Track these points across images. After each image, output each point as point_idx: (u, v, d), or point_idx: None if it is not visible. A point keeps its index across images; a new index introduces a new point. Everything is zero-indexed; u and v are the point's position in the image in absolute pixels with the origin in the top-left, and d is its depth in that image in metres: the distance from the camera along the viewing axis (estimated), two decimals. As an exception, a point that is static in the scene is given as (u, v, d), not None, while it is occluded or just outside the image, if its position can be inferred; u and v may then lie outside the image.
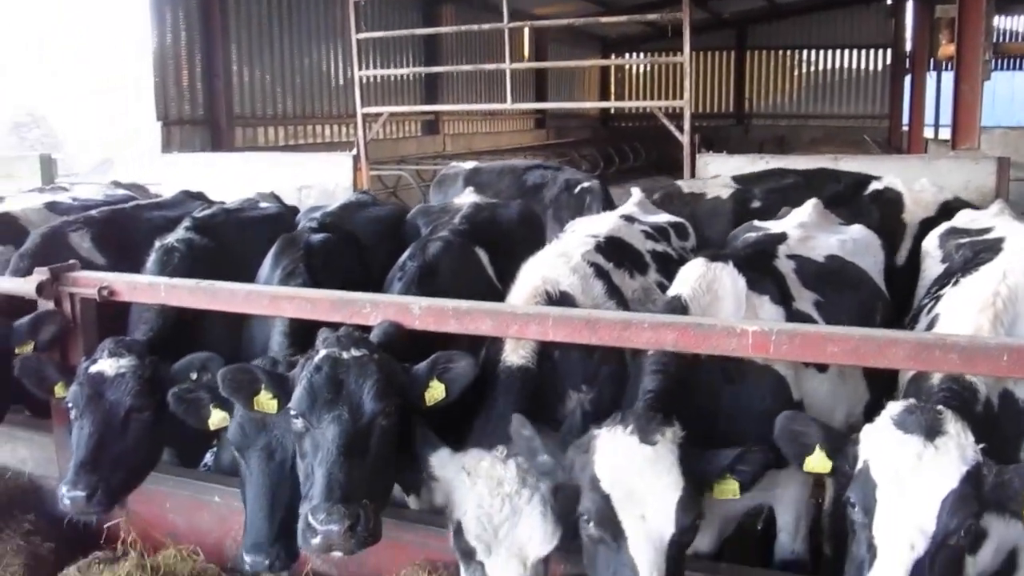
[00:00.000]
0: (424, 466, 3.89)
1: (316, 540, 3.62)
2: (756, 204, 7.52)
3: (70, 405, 4.56)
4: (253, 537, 4.05)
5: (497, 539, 3.61)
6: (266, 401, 4.02)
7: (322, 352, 3.97)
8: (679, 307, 4.34)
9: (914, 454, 3.21)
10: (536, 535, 3.62)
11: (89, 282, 5.28)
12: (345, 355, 3.93)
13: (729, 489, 3.63)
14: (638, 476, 3.32)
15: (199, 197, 7.65)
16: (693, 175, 10.69)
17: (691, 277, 4.52)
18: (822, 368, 4.70)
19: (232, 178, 10.21)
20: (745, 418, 4.17)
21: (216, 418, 4.36)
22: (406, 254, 5.17)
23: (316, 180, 11.06)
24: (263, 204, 6.91)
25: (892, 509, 3.17)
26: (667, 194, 7.80)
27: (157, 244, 5.59)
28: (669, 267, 5.57)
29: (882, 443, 3.33)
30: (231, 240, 5.90)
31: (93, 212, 6.55)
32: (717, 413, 4.19)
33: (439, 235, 5.36)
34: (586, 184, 8.74)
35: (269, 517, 4.06)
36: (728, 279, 4.53)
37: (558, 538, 3.65)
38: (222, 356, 4.62)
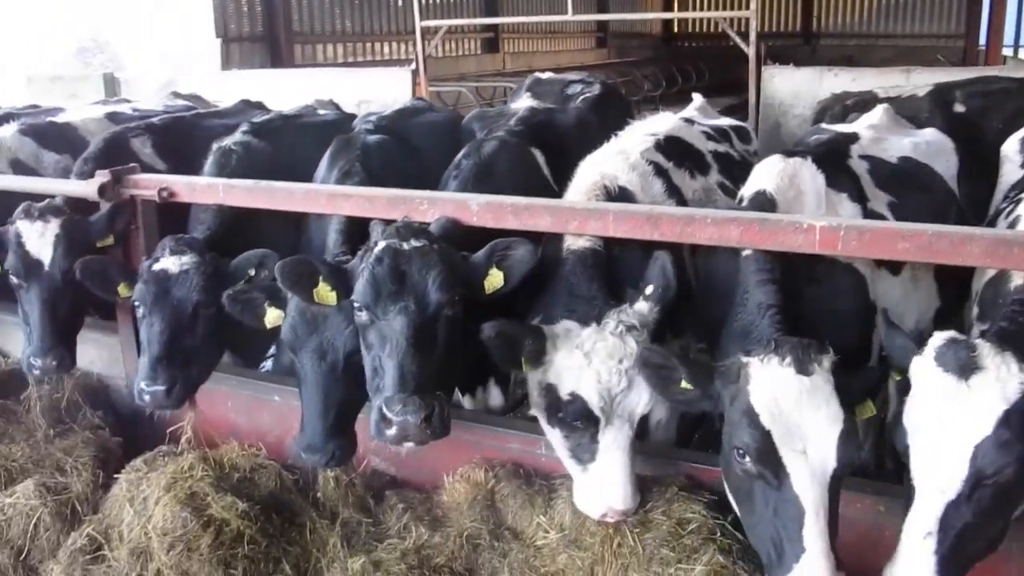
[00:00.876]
0: (523, 351, 3.81)
1: (391, 431, 3.63)
2: (959, 108, 6.77)
3: (137, 304, 4.62)
4: (308, 437, 4.09)
5: (613, 408, 3.64)
6: (325, 293, 4.01)
7: (382, 243, 3.92)
8: (765, 202, 4.17)
9: (947, 393, 3.04)
10: (644, 398, 3.67)
11: (149, 183, 5.32)
12: (405, 246, 3.88)
13: (868, 410, 3.52)
14: (798, 410, 3.15)
15: (259, 106, 7.62)
16: (758, 89, 10.31)
17: (771, 172, 4.33)
18: (895, 271, 4.54)
19: (292, 94, 10.14)
20: (824, 319, 4.03)
21: (271, 316, 4.38)
22: (461, 153, 5.08)
23: (375, 96, 10.94)
24: (321, 111, 6.85)
25: (924, 453, 3.04)
26: (861, 100, 7.29)
27: (215, 146, 5.59)
28: (732, 169, 5.42)
29: (920, 378, 3.17)
30: (288, 144, 5.88)
31: (154, 120, 6.57)
32: (798, 315, 4.02)
33: (495, 135, 5.24)
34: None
35: (323, 416, 4.09)
36: (808, 174, 4.36)
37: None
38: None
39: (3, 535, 4.47)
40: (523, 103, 6.42)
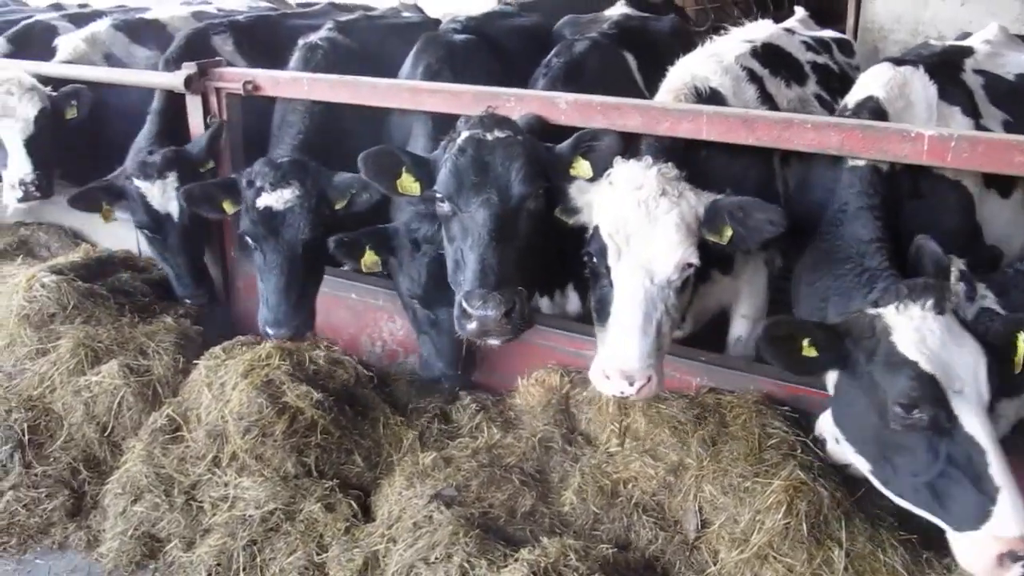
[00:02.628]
0: (565, 199, 3.75)
1: (472, 325, 3.58)
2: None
3: (249, 240, 4.58)
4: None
5: (629, 244, 3.46)
6: (409, 184, 3.94)
7: (465, 133, 3.82)
8: (875, 109, 3.92)
9: None
10: (667, 249, 3.43)
11: (234, 77, 5.30)
12: (489, 136, 3.77)
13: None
14: (946, 350, 2.97)
15: (345, 9, 7.52)
16: (857, 13, 9.83)
17: (880, 80, 4.07)
18: (1005, 193, 4.27)
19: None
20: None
21: (369, 260, 4.36)
22: (552, 52, 4.90)
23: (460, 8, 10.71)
24: (405, 13, 6.72)
25: None
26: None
27: (300, 42, 5.52)
28: (830, 80, 5.16)
29: None
30: (373, 43, 5.78)
31: (238, 18, 6.53)
32: (898, 231, 3.83)
33: (587, 36, 5.05)
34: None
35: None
36: (919, 84, 4.10)
37: (691, 270, 3.50)
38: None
39: (90, 411, 4.60)
40: (617, 9, 6.16)
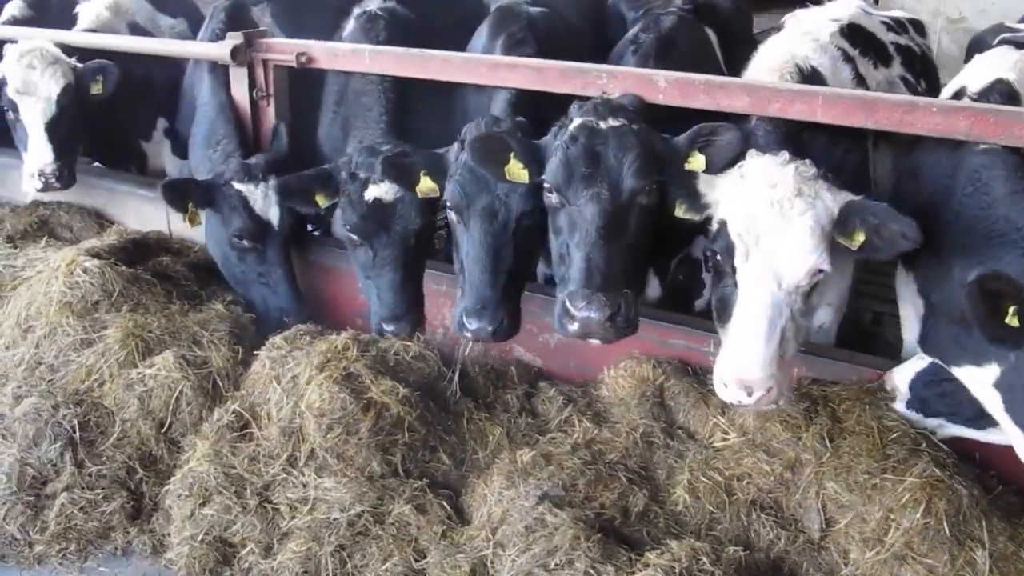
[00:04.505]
0: (692, 193, 3.55)
1: (574, 326, 3.39)
2: None
3: (354, 236, 4.32)
4: (474, 301, 3.75)
5: (758, 246, 3.26)
6: (517, 171, 3.70)
7: (577, 120, 3.59)
8: (1006, 92, 3.72)
9: None
10: (799, 254, 3.22)
11: (285, 48, 4.98)
12: (603, 124, 3.54)
13: None
14: None
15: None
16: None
17: (1007, 62, 3.91)
18: None
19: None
20: None
21: (425, 186, 4.10)
22: (637, 28, 4.64)
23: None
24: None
25: None
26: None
27: (356, 11, 5.21)
28: (913, 62, 5.00)
29: None
30: (432, 14, 5.46)
31: (269, -12, 6.16)
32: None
33: (670, 10, 4.80)
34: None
35: (492, 282, 3.76)
36: None
37: (821, 275, 3.30)
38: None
39: (145, 406, 4.28)
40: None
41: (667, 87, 4.03)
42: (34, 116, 5.15)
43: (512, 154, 3.68)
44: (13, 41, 5.41)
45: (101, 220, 5.92)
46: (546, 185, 3.60)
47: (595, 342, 3.56)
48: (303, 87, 5.18)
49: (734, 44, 5.12)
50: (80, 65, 5.34)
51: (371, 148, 4.35)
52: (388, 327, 4.32)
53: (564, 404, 4.26)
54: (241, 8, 5.64)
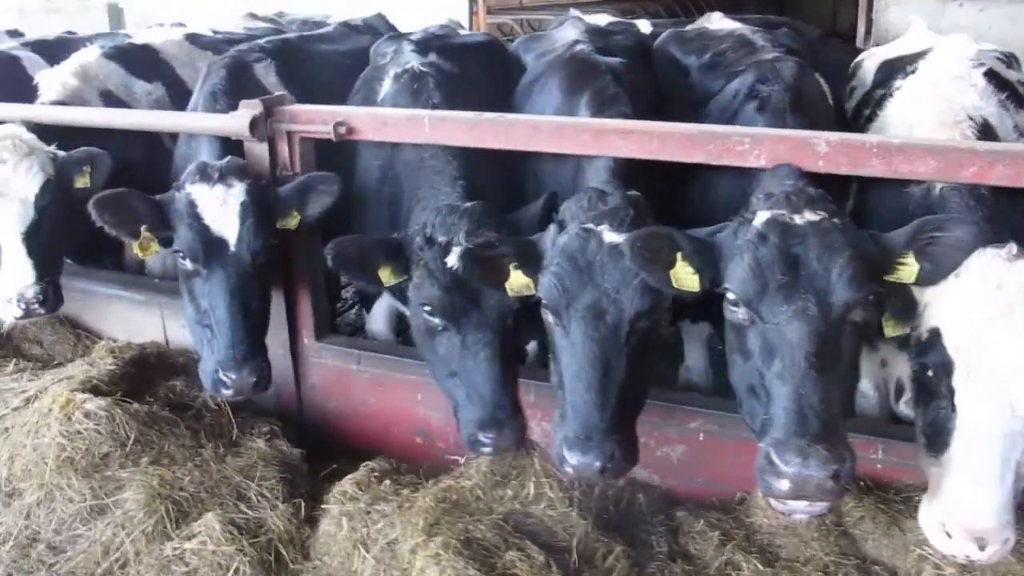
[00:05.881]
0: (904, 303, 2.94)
1: (782, 485, 2.64)
2: None
3: (436, 320, 3.45)
4: (578, 428, 2.98)
5: (983, 363, 2.67)
6: (686, 277, 2.97)
7: (764, 214, 2.88)
8: None
9: None
10: None
11: (316, 116, 4.09)
12: (798, 219, 2.84)
13: None
14: None
15: (368, 30, 6.26)
16: (869, 22, 9.39)
17: None
18: None
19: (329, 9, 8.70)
20: None
21: (517, 283, 3.30)
22: (749, 79, 3.89)
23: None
24: (461, 31, 5.61)
25: None
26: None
27: (393, 71, 4.34)
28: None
29: None
30: (466, 69, 4.62)
31: (261, 42, 5.21)
32: None
33: (780, 55, 4.09)
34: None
35: (600, 403, 2.98)
36: None
37: None
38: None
39: (188, 592, 3.31)
40: (730, 24, 5.23)
41: (829, 152, 3.31)
42: (8, 224, 4.06)
43: (680, 254, 2.93)
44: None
45: (77, 330, 4.89)
46: (730, 295, 2.86)
47: (802, 505, 2.74)
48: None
49: (833, 89, 4.49)
50: (61, 154, 4.28)
51: (452, 207, 3.52)
52: (487, 436, 3.36)
53: (720, 541, 3.46)
54: (242, 66, 4.70)
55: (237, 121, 4.06)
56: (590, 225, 3.07)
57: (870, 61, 5.00)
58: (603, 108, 3.79)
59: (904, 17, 9.15)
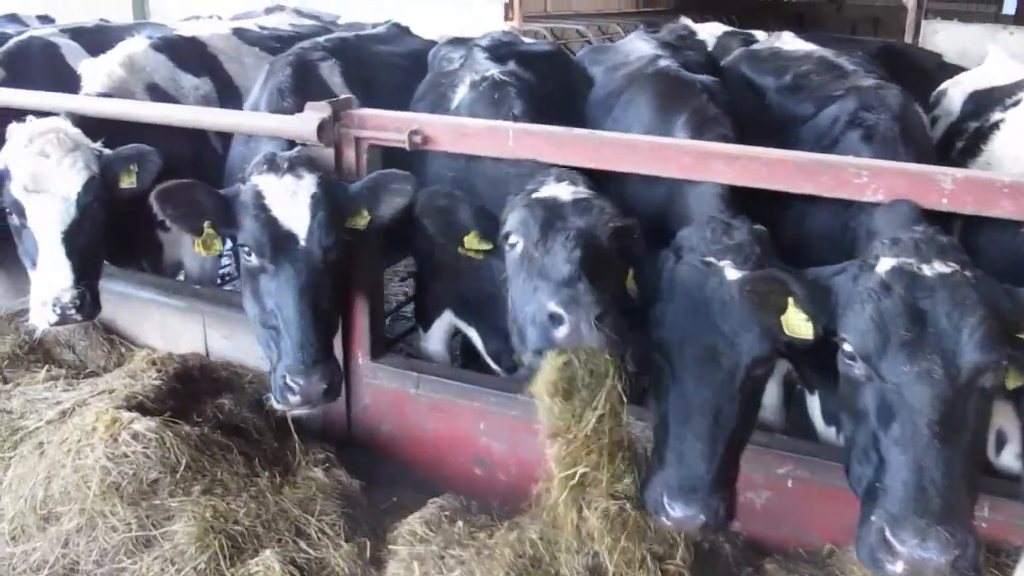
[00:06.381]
0: None
1: (897, 567, 2.43)
2: None
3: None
4: (683, 477, 2.77)
5: None
6: (798, 324, 2.74)
7: (889, 262, 2.63)
8: None
9: None
10: None
11: (388, 123, 3.83)
12: (927, 270, 2.59)
13: None
14: None
15: (408, 31, 6.03)
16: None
17: None
18: None
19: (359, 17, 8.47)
20: None
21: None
22: (850, 106, 3.62)
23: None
24: (526, 39, 5.35)
25: None
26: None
27: (470, 78, 4.08)
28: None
29: None
30: (542, 82, 4.35)
31: (321, 41, 4.93)
32: None
33: (879, 82, 3.84)
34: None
35: (709, 453, 2.77)
36: None
37: None
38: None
39: (246, 641, 3.03)
40: (800, 44, 4.98)
41: (954, 189, 3.07)
42: (47, 221, 3.77)
43: (792, 300, 2.70)
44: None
45: (111, 335, 4.59)
46: (847, 348, 2.62)
47: None
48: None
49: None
50: (107, 151, 3.99)
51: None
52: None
53: (825, 599, 3.22)
54: (308, 65, 4.43)
55: (304, 124, 3.79)
56: (711, 259, 2.83)
57: (955, 90, 4.77)
58: (703, 130, 3.54)
59: (953, 43, 9.00)
